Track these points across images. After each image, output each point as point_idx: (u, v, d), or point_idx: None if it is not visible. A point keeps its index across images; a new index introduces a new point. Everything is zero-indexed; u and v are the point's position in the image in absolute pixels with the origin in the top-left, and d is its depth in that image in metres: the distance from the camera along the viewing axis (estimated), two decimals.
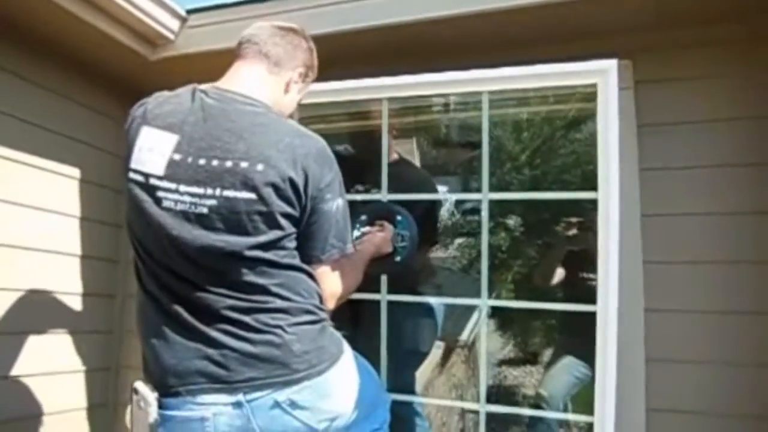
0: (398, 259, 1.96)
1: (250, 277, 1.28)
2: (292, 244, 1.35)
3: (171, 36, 2.26)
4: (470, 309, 3.50)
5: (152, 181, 1.27)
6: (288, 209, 1.29)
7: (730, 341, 1.90)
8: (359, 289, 1.67)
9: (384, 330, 2.09)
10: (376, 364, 1.93)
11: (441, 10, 1.99)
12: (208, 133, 1.28)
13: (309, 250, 1.38)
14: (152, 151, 1.27)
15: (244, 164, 1.25)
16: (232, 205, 1.24)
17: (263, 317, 1.28)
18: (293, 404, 1.29)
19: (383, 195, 2.12)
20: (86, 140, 2.47)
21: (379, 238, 1.92)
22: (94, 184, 2.49)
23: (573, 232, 3.02)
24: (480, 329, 2.05)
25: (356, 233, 1.96)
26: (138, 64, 2.34)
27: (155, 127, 1.29)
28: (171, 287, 1.30)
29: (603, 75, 1.90)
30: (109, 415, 2.54)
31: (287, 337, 1.28)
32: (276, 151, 1.28)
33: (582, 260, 2.93)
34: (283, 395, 1.28)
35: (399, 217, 1.97)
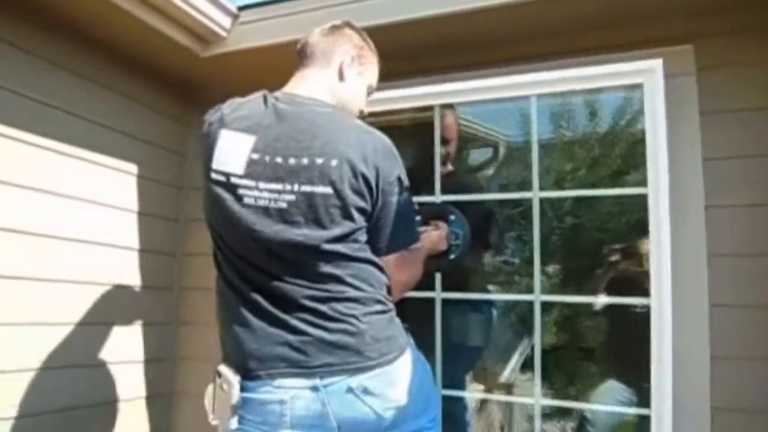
0: (452, 256, 2.01)
1: (326, 268, 1.35)
2: (364, 237, 1.41)
3: (223, 33, 2.29)
4: (511, 348, 3.48)
5: (233, 179, 1.35)
6: (361, 203, 1.36)
7: None
8: (415, 288, 1.73)
9: (439, 327, 2.16)
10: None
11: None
12: (284, 134, 1.36)
13: (378, 242, 1.44)
14: (232, 151, 1.36)
15: (319, 160, 1.33)
16: (309, 200, 1.32)
17: (338, 306, 1.34)
18: (365, 390, 1.33)
19: (437, 196, 2.23)
20: (143, 137, 2.52)
21: (434, 235, 1.97)
22: (151, 180, 2.56)
23: (617, 257, 2.95)
24: (534, 329, 2.07)
25: None
26: (191, 61, 2.39)
27: (233, 129, 1.38)
28: (251, 278, 1.37)
29: (649, 74, 1.93)
30: (166, 405, 2.59)
31: (362, 326, 1.34)
32: (348, 147, 1.35)
33: (629, 285, 2.84)
34: (356, 381, 1.32)
35: (452, 217, 2.04)
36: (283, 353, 1.32)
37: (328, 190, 1.32)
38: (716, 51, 1.95)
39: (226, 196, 1.35)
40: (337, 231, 1.34)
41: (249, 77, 2.19)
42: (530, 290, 2.12)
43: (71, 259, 2.18)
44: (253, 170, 1.34)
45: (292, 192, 1.32)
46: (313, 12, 2.11)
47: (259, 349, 1.33)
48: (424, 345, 1.99)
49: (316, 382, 1.31)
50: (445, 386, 2.16)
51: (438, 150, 2.26)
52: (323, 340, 1.32)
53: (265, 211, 1.33)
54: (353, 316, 1.34)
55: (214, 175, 1.37)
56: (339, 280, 1.35)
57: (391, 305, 1.45)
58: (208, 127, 1.43)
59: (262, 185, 1.33)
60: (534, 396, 2.05)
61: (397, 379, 1.39)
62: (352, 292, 1.36)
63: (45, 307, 2.08)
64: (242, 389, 1.34)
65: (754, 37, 1.91)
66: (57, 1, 2.00)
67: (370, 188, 1.36)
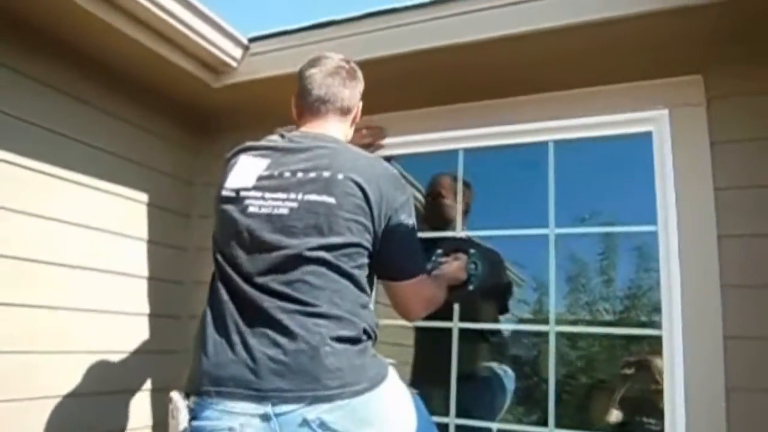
0: (471, 287, 2.08)
1: (309, 277, 1.33)
2: (362, 258, 1.40)
3: (234, 63, 2.32)
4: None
5: (242, 193, 1.42)
6: (362, 219, 1.38)
7: None
8: (432, 317, 1.84)
9: (455, 357, 2.18)
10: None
11: (500, 30, 1.92)
12: (295, 155, 1.45)
13: (392, 269, 1.48)
14: (246, 171, 1.45)
15: (326, 174, 1.39)
16: (311, 207, 1.36)
17: (305, 321, 1.29)
18: (323, 425, 1.22)
19: (457, 232, 2.34)
20: (153, 165, 2.54)
21: (455, 265, 2.05)
22: (160, 209, 2.57)
23: (631, 371, 2.94)
24: (549, 360, 2.10)
25: (429, 264, 2.09)
26: (202, 91, 2.41)
27: (251, 155, 1.49)
28: (233, 286, 1.36)
29: (657, 123, 2.04)
30: None
31: (323, 349, 1.26)
32: (355, 167, 1.42)
33: (640, 402, 2.86)
34: (313, 413, 1.22)
35: (472, 250, 2.13)
36: (235, 372, 1.26)
37: (331, 200, 1.36)
38: (726, 80, 1.94)
39: (232, 208, 1.41)
40: (333, 239, 1.34)
41: (259, 107, 2.34)
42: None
43: (80, 288, 2.18)
44: (262, 183, 1.41)
45: (295, 200, 1.37)
46: (324, 43, 2.13)
47: (214, 366, 1.29)
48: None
49: (268, 409, 1.22)
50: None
51: (461, 189, 2.37)
52: (277, 360, 1.25)
53: (267, 218, 1.37)
54: (319, 334, 1.27)
55: (224, 193, 1.45)
56: (316, 291, 1.31)
57: (367, 339, 1.36)
58: (230, 158, 1.54)
59: (268, 195, 1.39)
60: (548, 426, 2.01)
61: (367, 415, 1.27)
62: (324, 308, 1.30)
63: (42, 337, 2.04)
64: (194, 417, 1.29)
65: (764, 65, 1.90)
66: (68, 31, 2.03)
67: (371, 207, 1.39)
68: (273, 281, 1.33)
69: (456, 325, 2.23)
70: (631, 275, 3.54)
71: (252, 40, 2.32)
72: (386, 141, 2.38)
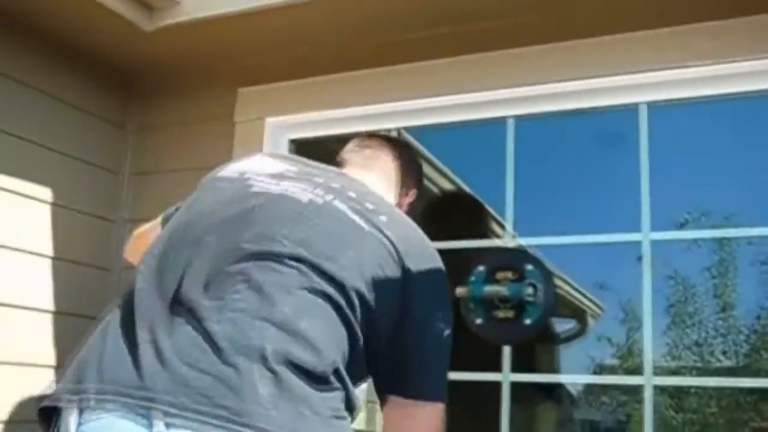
0: (529, 321, 1.83)
1: (289, 279, 1.12)
2: (354, 309, 1.13)
3: None
4: None
5: (247, 174, 1.33)
6: (391, 273, 1.18)
7: None
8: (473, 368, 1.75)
9: (506, 420, 1.94)
10: None
11: None
12: (329, 173, 1.38)
13: (409, 379, 1.21)
14: (258, 161, 1.42)
15: (369, 205, 1.27)
16: (337, 215, 1.23)
17: (239, 319, 1.04)
18: None
19: (508, 238, 2.02)
20: (61, 148, 2.28)
21: None
22: (72, 210, 2.29)
23: None
24: (644, 419, 1.84)
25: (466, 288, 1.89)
26: (130, 38, 2.19)
27: (267, 156, 1.51)
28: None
29: None
30: None
31: (259, 378, 0.99)
32: (400, 228, 1.26)
33: None
34: None
35: (529, 266, 1.87)
36: (119, 372, 1.04)
37: (363, 224, 1.21)
38: None
39: (225, 185, 1.31)
40: (343, 274, 1.13)
41: (214, 58, 2.21)
42: None
43: None
44: (279, 173, 1.32)
45: (322, 197, 1.25)
46: None
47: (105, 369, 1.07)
48: None
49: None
50: None
51: (511, 170, 2.06)
52: (178, 373, 1.00)
53: (278, 199, 1.24)
54: (260, 350, 1.01)
55: (220, 174, 1.36)
56: (285, 289, 1.09)
57: (342, 384, 1.12)
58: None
59: (285, 183, 1.28)
60: None
61: None
62: (287, 309, 1.07)
63: None
64: None
65: None
66: None
67: (404, 275, 1.19)
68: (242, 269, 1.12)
69: (506, 377, 1.93)
70: (759, 300, 3.30)
71: None
72: (398, 106, 2.13)
